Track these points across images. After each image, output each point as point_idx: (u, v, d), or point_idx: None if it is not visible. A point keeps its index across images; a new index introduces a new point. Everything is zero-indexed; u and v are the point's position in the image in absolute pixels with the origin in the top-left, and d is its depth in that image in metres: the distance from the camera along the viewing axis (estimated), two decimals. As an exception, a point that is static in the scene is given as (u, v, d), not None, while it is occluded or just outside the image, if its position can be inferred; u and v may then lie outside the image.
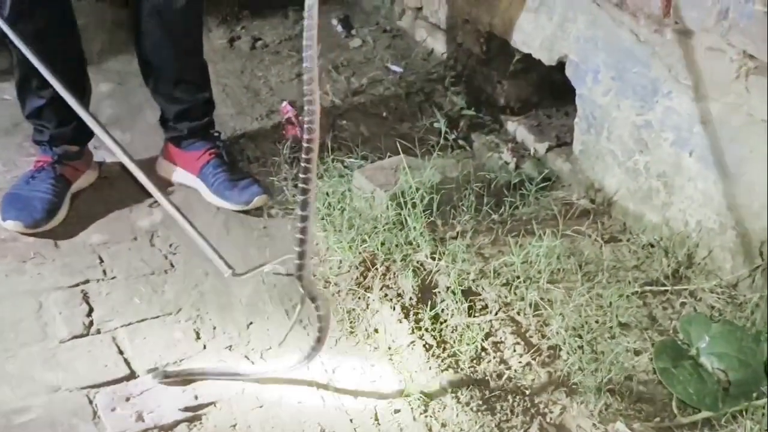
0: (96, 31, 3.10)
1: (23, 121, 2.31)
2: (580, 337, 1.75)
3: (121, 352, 1.78)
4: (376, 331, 1.87)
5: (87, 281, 1.97)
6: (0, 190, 2.20)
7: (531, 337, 1.81)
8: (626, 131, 2.11)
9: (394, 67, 2.98)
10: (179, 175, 2.31)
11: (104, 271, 2.00)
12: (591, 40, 2.17)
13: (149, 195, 2.25)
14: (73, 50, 2.18)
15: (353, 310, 1.93)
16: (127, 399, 1.66)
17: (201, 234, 1.76)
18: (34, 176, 2.14)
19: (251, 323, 1.90)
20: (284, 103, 2.64)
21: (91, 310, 1.88)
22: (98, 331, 1.83)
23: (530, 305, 1.86)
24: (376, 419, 1.67)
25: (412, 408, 1.67)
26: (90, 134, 2.29)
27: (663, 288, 1.93)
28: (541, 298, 1.87)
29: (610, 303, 1.84)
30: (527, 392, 1.68)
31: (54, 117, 2.16)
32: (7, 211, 2.07)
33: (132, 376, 1.72)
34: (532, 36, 2.42)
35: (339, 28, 3.26)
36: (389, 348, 1.82)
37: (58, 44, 2.09)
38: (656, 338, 1.80)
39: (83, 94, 2.23)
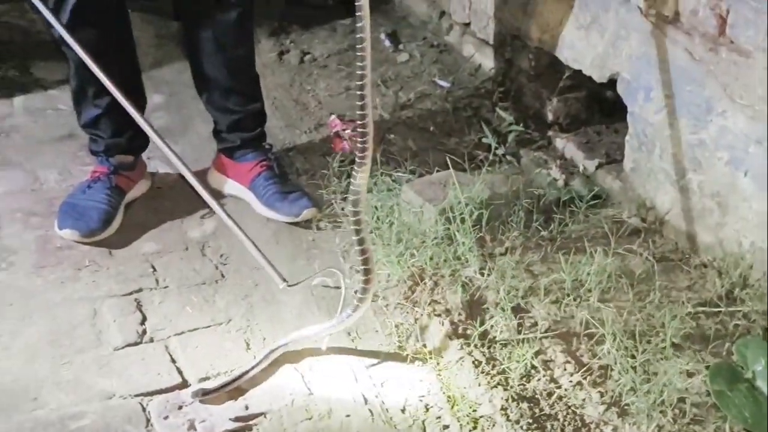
0: (147, 43, 3.17)
1: (78, 130, 2.36)
2: (633, 357, 1.73)
3: (173, 361, 1.80)
4: (424, 346, 1.87)
5: (140, 290, 2.00)
6: (56, 198, 2.25)
7: (581, 356, 1.80)
8: (679, 150, 2.09)
9: (442, 82, 2.99)
10: (230, 187, 2.34)
11: (157, 280, 2.04)
12: (644, 58, 2.16)
13: (201, 206, 2.30)
14: (129, 61, 2.23)
15: (401, 324, 1.93)
16: (180, 407, 1.68)
17: (255, 245, 1.80)
18: (90, 186, 2.18)
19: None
20: (332, 117, 2.66)
21: (144, 318, 1.91)
22: (151, 340, 1.85)
23: (581, 324, 1.85)
24: (425, 434, 1.67)
25: (460, 424, 1.67)
26: (144, 144, 2.33)
27: (716, 309, 1.90)
28: (592, 317, 1.85)
29: (663, 323, 1.82)
30: (578, 412, 1.67)
31: (109, 127, 2.21)
32: (64, 220, 2.11)
33: (184, 384, 1.74)
34: (583, 53, 2.41)
35: (386, 43, 3.28)
36: (437, 363, 1.82)
37: (116, 54, 2.14)
38: (709, 360, 1.77)
39: (138, 104, 2.27)
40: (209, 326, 1.91)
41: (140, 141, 2.31)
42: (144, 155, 2.36)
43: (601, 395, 1.69)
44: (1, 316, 1.88)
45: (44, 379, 1.73)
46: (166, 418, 1.66)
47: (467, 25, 3.12)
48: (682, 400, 1.67)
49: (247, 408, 1.70)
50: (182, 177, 2.41)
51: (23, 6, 3.47)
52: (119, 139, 2.22)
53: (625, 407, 1.67)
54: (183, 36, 2.30)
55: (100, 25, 2.05)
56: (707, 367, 1.73)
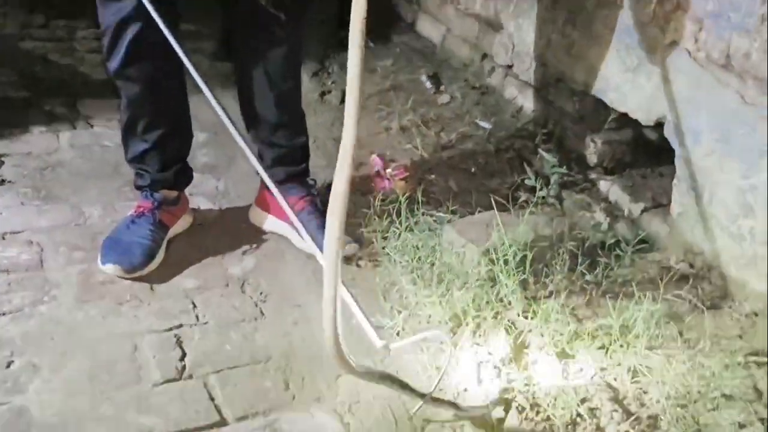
0: (193, 82, 3.20)
1: (122, 167, 2.38)
2: (683, 406, 1.68)
3: (211, 399, 1.78)
4: (465, 389, 1.84)
5: (180, 326, 1.99)
6: (99, 233, 2.26)
7: (629, 404, 1.74)
8: (730, 195, 2.05)
9: (483, 124, 2.98)
10: (271, 223, 2.34)
11: (197, 317, 2.03)
12: (692, 101, 2.13)
13: (241, 242, 2.31)
14: (180, 96, 2.25)
15: (442, 366, 1.89)
16: (217, 446, 1.66)
17: (359, 305, 1.74)
18: (134, 221, 2.19)
19: (339, 376, 1.88)
20: (373, 156, 2.66)
21: (183, 354, 1.90)
22: (190, 377, 1.84)
23: (628, 371, 1.80)
24: (466, 480, 1.62)
25: (503, 472, 1.62)
26: (188, 180, 2.35)
27: (769, 359, 1.85)
28: (640, 364, 1.80)
29: (713, 373, 1.76)
30: (626, 463, 1.62)
31: (156, 161, 2.22)
32: (107, 255, 2.12)
33: (222, 423, 1.72)
34: (629, 96, 2.39)
35: (428, 85, 3.29)
36: (479, 407, 1.77)
37: (169, 89, 2.17)
38: (762, 412, 1.71)
39: (186, 140, 2.30)
40: (248, 364, 1.89)
41: (185, 176, 2.32)
42: (186, 191, 2.38)
43: (650, 446, 1.64)
44: (42, 350, 1.88)
45: (84, 414, 1.71)
46: (203, 456, 1.64)
47: (510, 67, 3.12)
48: (734, 453, 1.61)
49: (281, 451, 1.67)
50: (223, 213, 2.45)
51: (72, 45, 3.57)
52: (165, 174, 2.24)
53: (676, 459, 1.61)
54: (234, 72, 2.33)
55: (156, 60, 2.07)
56: (761, 420, 1.67)
